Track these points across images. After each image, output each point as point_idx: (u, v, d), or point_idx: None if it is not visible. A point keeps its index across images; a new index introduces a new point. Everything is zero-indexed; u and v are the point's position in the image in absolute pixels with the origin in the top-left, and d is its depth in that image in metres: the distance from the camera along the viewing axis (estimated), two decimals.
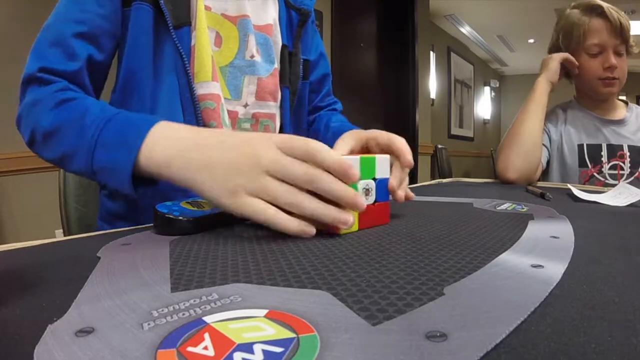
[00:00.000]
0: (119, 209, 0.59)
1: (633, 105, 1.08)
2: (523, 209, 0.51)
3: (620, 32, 0.96)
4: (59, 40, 0.52)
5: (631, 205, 0.56)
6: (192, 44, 0.58)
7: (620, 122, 1.03)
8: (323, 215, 0.35)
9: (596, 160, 1.01)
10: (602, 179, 1.00)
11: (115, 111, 0.46)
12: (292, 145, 0.36)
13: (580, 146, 1.03)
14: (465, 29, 5.16)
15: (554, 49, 1.08)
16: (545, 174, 1.06)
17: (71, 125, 0.46)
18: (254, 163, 0.36)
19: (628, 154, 1.00)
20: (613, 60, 0.96)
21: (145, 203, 0.55)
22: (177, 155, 0.39)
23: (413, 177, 3.51)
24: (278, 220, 0.35)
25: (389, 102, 3.47)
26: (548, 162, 1.06)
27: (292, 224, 0.35)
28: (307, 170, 0.35)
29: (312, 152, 0.36)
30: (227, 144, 0.38)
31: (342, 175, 0.36)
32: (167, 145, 0.40)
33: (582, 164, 1.02)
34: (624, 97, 1.14)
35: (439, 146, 4.15)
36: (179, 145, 0.40)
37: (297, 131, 0.75)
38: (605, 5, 0.97)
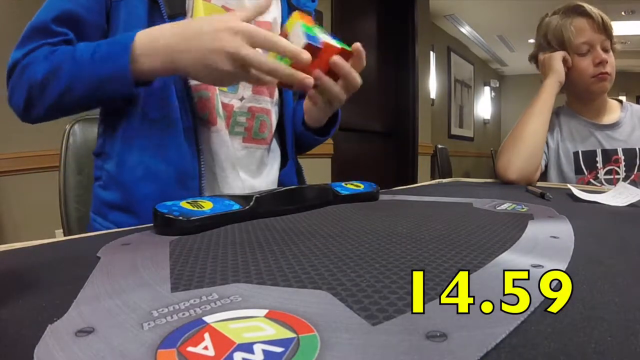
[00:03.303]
0: (113, 199, 0.59)
1: (628, 104, 1.07)
2: (523, 209, 0.51)
3: (604, 28, 0.97)
4: (42, 28, 0.54)
5: (631, 205, 0.56)
6: None
7: (614, 126, 1.03)
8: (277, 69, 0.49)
9: (592, 167, 1.01)
10: (598, 184, 1.00)
11: (98, 41, 0.53)
12: (257, 37, 0.48)
13: (576, 154, 1.03)
14: (465, 29, 5.15)
15: (535, 55, 1.09)
16: (543, 180, 1.06)
17: (64, 63, 0.51)
18: (222, 55, 0.47)
19: (623, 157, 0.99)
20: (603, 55, 0.97)
21: (138, 192, 0.56)
22: (164, 45, 0.50)
23: (413, 177, 3.52)
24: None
25: (389, 102, 3.47)
26: (546, 168, 1.06)
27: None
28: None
29: (273, 44, 0.48)
30: (202, 36, 0.48)
31: (297, 59, 0.48)
32: (152, 45, 0.50)
33: (578, 171, 1.02)
34: (623, 97, 1.14)
35: (439, 146, 4.15)
36: (163, 39, 0.50)
37: (296, 126, 0.76)
38: (584, 4, 0.99)
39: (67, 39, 0.55)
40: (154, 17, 0.57)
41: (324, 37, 0.52)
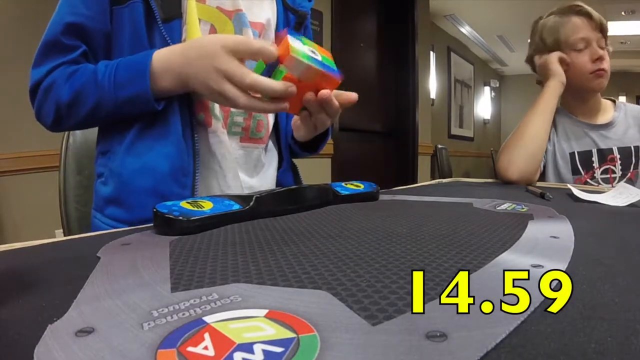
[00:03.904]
0: (109, 193, 0.60)
1: (621, 104, 1.08)
2: (523, 209, 0.51)
3: (600, 27, 0.98)
4: (54, 43, 0.57)
5: (631, 205, 0.56)
6: (183, 37, 0.59)
7: (609, 125, 1.03)
8: (255, 107, 0.52)
9: (588, 167, 1.01)
10: (595, 184, 1.00)
11: (116, 60, 0.56)
12: (240, 49, 0.51)
13: (572, 154, 1.03)
14: (465, 29, 5.15)
15: (532, 57, 1.09)
16: (542, 181, 1.06)
17: (87, 86, 0.55)
18: (216, 73, 0.51)
19: (618, 156, 1.00)
20: (600, 51, 0.97)
21: (132, 186, 0.58)
22: (176, 69, 0.54)
23: (413, 177, 3.52)
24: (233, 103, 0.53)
25: (389, 102, 3.47)
26: (544, 168, 1.06)
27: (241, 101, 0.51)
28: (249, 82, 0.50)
29: (256, 52, 0.50)
30: (199, 58, 0.52)
31: (266, 55, 0.50)
32: (166, 68, 0.54)
33: (575, 171, 1.02)
34: (623, 97, 1.14)
35: (439, 146, 4.16)
36: (175, 63, 0.54)
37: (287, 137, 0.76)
38: (581, 3, 1.00)
39: (83, 51, 0.58)
40: (150, 22, 0.57)
41: (316, 63, 0.50)
